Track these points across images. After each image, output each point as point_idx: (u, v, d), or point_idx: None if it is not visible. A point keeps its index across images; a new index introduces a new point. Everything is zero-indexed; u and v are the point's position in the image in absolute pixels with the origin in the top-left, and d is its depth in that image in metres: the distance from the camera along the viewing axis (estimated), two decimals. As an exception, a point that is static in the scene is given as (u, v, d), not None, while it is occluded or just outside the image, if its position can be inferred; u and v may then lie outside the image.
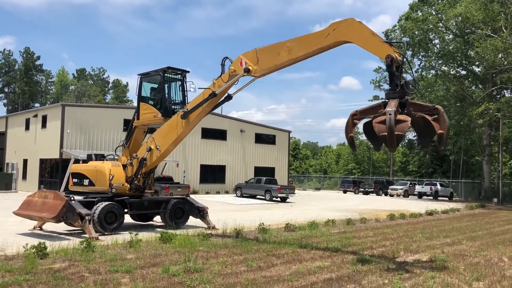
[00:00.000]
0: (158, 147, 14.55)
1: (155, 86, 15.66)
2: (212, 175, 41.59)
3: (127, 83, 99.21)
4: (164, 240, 11.85)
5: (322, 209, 26.55)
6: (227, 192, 40.89)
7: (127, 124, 32.63)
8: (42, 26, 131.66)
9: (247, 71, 12.73)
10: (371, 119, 9.73)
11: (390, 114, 8.76)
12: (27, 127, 38.26)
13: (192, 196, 18.39)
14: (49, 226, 14.78)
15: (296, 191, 36.06)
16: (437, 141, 9.29)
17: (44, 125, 35.76)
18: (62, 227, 14.52)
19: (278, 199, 33.28)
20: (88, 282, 7.69)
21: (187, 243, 11.63)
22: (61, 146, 32.79)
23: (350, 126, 10.08)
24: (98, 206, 13.92)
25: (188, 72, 15.74)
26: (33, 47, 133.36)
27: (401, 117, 9.01)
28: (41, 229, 14.70)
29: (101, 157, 16.13)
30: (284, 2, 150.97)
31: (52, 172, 35.01)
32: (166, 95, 15.32)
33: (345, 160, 79.69)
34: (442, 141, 9.11)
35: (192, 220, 16.59)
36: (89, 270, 8.56)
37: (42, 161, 35.91)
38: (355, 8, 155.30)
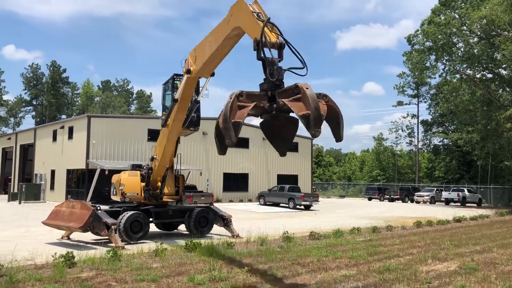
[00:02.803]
0: (155, 156, 14.75)
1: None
2: (235, 183, 41.68)
3: (150, 93, 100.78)
4: (189, 249, 11.91)
5: (347, 217, 26.27)
6: (250, 200, 40.89)
7: (152, 133, 33.21)
8: (67, 40, 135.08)
9: (188, 72, 12.00)
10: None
11: (307, 88, 6.89)
12: (54, 139, 39.13)
13: (215, 204, 18.46)
14: (77, 235, 15.03)
15: (320, 198, 35.79)
16: (305, 125, 6.71)
17: (70, 136, 36.51)
18: (88, 236, 14.74)
19: (302, 207, 33.09)
20: (115, 291, 7.77)
21: (211, 251, 11.65)
22: (87, 157, 33.40)
23: (234, 108, 7.06)
24: (124, 216, 14.11)
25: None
26: (59, 60, 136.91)
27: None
28: (68, 238, 14.97)
29: (136, 167, 16.19)
30: (303, 9, 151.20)
31: (79, 182, 35.67)
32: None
33: (369, 167, 78.76)
34: (310, 123, 6.54)
35: (216, 229, 16.63)
36: (116, 279, 8.66)
37: (69, 172, 36.63)
38: (377, 13, 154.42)
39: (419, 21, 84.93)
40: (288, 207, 33.16)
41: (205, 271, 9.44)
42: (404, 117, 69.12)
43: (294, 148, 47.08)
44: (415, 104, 68.26)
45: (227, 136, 7.00)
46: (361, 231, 17.42)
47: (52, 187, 38.56)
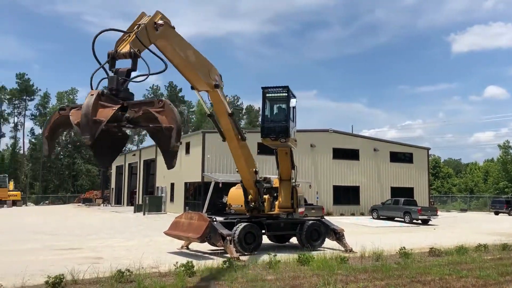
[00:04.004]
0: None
1: None
2: (346, 196, 40.79)
3: (259, 108, 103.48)
4: (302, 262, 11.83)
5: (471, 233, 24.14)
6: (362, 214, 39.66)
7: (261, 147, 33.90)
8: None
9: (217, 86, 12.05)
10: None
11: (170, 105, 7.08)
12: (173, 154, 41.91)
13: (326, 217, 18.19)
14: (195, 245, 15.80)
15: (438, 212, 33.48)
16: (167, 137, 6.98)
17: (187, 151, 38.83)
18: (206, 246, 15.41)
19: (419, 221, 31.23)
20: (232, 301, 7.96)
21: (325, 266, 11.44)
22: (203, 170, 35.18)
23: (96, 104, 6.63)
24: (238, 227, 14.53)
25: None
26: (175, 80, 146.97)
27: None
28: (187, 248, 15.79)
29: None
30: (413, 15, 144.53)
31: (195, 194, 37.71)
32: (265, 115, 15.77)
33: (495, 178, 71.86)
34: (173, 135, 6.93)
35: (328, 243, 16.35)
36: (232, 289, 8.88)
37: (187, 185, 38.90)
38: (497, 11, 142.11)
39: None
40: (404, 222, 31.53)
41: (319, 285, 9.28)
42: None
43: (409, 159, 44.79)
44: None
45: (85, 133, 6.50)
46: (489, 249, 15.85)
47: (172, 199, 41.24)
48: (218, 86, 11.96)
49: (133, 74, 7.63)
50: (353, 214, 39.55)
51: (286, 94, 15.54)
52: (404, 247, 13.95)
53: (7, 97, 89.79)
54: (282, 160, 16.42)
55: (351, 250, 15.30)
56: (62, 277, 8.99)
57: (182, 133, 7.13)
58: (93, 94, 6.65)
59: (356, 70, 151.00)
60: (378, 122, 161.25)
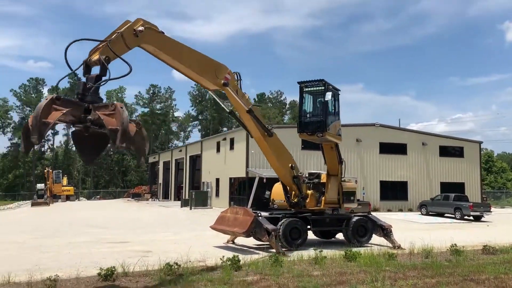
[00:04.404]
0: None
1: None
2: (393, 191, 39.87)
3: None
4: (348, 258, 11.66)
5: (528, 230, 22.99)
6: (410, 210, 38.65)
7: (305, 142, 33.70)
8: (226, 58, 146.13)
9: (226, 85, 12.34)
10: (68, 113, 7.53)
11: (122, 108, 7.53)
12: (218, 150, 42.43)
13: (373, 213, 17.84)
14: (241, 240, 15.93)
15: (492, 208, 32.10)
16: (112, 139, 7.40)
17: (232, 147, 39.19)
18: (251, 241, 15.50)
19: (471, 217, 30.07)
20: (278, 296, 7.96)
21: (372, 262, 11.23)
22: (247, 166, 35.39)
23: (48, 108, 7.19)
24: (283, 222, 14.51)
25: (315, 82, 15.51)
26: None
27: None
28: (233, 242, 15.94)
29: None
30: (463, 2, 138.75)
31: (240, 189, 38.02)
32: (302, 109, 15.80)
33: (553, 173, 68.08)
34: (144, 156, 8.24)
35: (375, 239, 16.05)
36: (279, 284, 8.87)
37: (231, 180, 39.30)
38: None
39: None
40: (454, 218, 30.48)
41: (367, 282, 9.12)
42: None
43: (459, 153, 43.18)
44: None
45: (33, 133, 7.04)
46: (549, 247, 15.03)
47: (217, 194, 41.80)
48: (227, 85, 12.16)
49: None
50: (400, 210, 38.61)
51: (322, 88, 15.34)
52: (455, 244, 13.47)
53: (61, 96, 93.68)
54: (328, 154, 16.25)
55: (399, 247, 14.95)
56: (113, 269, 9.31)
57: (131, 135, 7.60)
58: (47, 99, 7.33)
59: (403, 62, 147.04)
60: (426, 115, 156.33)
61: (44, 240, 17.17)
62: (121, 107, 7.57)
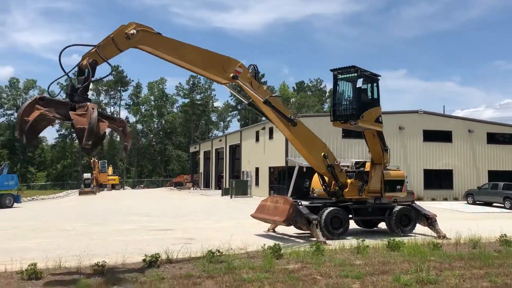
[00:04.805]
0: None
1: None
2: (438, 180, 38.74)
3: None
4: (391, 248, 11.46)
5: None
6: (455, 199, 37.50)
7: (345, 131, 33.23)
8: (264, 47, 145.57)
9: (235, 78, 12.49)
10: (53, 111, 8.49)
11: (93, 109, 8.33)
12: (257, 139, 42.54)
13: (417, 202, 17.43)
14: (281, 228, 15.96)
15: (544, 198, 30.64)
16: (78, 138, 8.36)
17: (271, 136, 39.17)
18: (292, 230, 15.51)
19: (521, 207, 28.87)
20: (320, 285, 7.93)
21: (416, 252, 10.98)
22: (286, 155, 35.30)
23: (30, 108, 8.28)
24: (324, 211, 14.41)
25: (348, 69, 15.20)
26: (259, 66, 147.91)
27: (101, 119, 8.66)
28: (274, 231, 16.00)
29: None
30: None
31: (280, 178, 38.02)
32: (336, 97, 15.70)
33: None
34: (126, 151, 9.75)
35: (419, 228, 15.70)
36: (320, 273, 8.84)
37: (271, 169, 39.36)
38: None
39: None
40: (504, 207, 29.34)
41: (411, 271, 8.93)
42: None
43: (508, 140, 41.38)
44: None
45: (17, 129, 8.21)
46: None
47: (257, 183, 42.00)
48: (237, 78, 12.35)
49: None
50: (445, 199, 37.53)
51: (355, 74, 15.04)
52: (505, 235, 12.95)
53: (104, 88, 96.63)
54: (370, 143, 15.97)
55: (444, 236, 14.56)
56: (158, 256, 9.56)
57: (98, 134, 8.31)
58: (32, 99, 8.51)
59: (447, 46, 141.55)
60: (472, 101, 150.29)
61: (92, 228, 17.85)
62: (93, 108, 8.39)
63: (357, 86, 15.06)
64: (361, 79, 14.99)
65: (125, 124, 9.65)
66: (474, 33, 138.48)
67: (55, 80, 9.60)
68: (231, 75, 12.25)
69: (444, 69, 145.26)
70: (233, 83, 12.80)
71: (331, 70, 15.63)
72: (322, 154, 14.71)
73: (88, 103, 8.60)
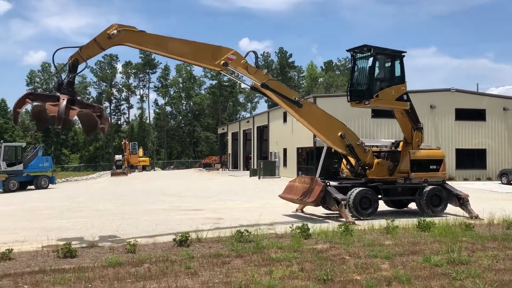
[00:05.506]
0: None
1: None
2: (470, 160, 37.79)
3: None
4: (422, 228, 11.31)
5: None
6: (489, 179, 36.56)
7: (375, 111, 32.67)
8: (292, 26, 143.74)
9: (225, 65, 12.86)
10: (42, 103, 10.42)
11: (63, 100, 10.02)
12: (284, 120, 42.35)
13: (448, 182, 17.07)
14: (309, 209, 15.96)
15: None
16: (100, 132, 10.98)
17: (299, 116, 38.88)
18: (320, 210, 15.49)
19: (559, 187, 27.94)
20: (349, 264, 7.91)
21: (447, 232, 10.80)
22: (314, 135, 35.03)
23: (21, 102, 10.51)
24: (353, 192, 14.30)
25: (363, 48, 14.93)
26: (286, 46, 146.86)
27: (72, 107, 10.26)
28: (302, 211, 16.01)
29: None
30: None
31: (308, 159, 37.89)
32: (353, 77, 15.53)
33: None
34: (103, 132, 11.28)
35: (450, 209, 15.43)
36: (349, 253, 8.82)
37: (299, 150, 39.23)
38: None
39: None
40: (539, 187, 28.49)
41: (442, 252, 8.80)
42: None
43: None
44: None
45: (12, 118, 10.54)
46: None
47: (285, 164, 41.99)
48: (227, 65, 12.68)
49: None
50: (478, 179, 36.64)
51: (368, 53, 14.85)
52: (541, 215, 12.59)
53: (133, 71, 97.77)
54: (400, 122, 15.70)
55: (477, 217, 14.25)
56: (187, 235, 9.72)
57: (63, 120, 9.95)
58: (23, 94, 10.59)
59: (479, 22, 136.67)
60: (507, 78, 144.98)
61: (124, 208, 18.29)
62: (63, 99, 10.11)
63: (369, 65, 14.79)
64: (373, 58, 14.72)
65: (103, 110, 11.36)
66: (508, 7, 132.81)
67: (47, 78, 12.25)
68: (222, 62, 12.61)
69: (477, 46, 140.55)
70: (221, 70, 13.19)
71: (347, 50, 15.52)
72: (339, 134, 14.51)
73: (60, 95, 10.27)
